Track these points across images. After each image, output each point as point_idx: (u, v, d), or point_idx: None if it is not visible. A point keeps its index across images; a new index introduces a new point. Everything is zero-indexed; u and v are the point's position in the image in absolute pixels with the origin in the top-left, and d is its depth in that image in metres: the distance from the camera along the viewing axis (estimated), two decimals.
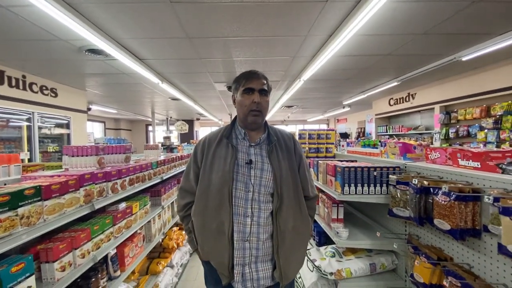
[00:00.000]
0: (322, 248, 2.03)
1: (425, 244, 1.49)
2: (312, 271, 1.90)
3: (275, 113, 10.00)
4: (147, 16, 2.42)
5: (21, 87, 4.08)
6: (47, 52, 3.27)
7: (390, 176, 1.56)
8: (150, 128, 12.36)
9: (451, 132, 5.20)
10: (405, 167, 1.71)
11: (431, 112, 5.99)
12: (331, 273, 1.71)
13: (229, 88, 5.43)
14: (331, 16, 2.49)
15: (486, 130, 4.47)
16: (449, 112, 5.35)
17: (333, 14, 2.44)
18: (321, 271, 1.75)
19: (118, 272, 1.70)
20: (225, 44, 3.14)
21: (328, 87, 5.91)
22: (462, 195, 1.12)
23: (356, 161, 2.23)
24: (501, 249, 0.92)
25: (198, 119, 12.51)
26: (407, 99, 6.60)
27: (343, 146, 2.94)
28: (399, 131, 7.22)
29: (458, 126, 5.10)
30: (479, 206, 1.12)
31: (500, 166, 1.23)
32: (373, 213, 2.18)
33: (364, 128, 10.62)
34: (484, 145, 4.45)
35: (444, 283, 1.18)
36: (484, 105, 4.56)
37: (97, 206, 1.45)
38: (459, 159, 1.56)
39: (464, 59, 3.64)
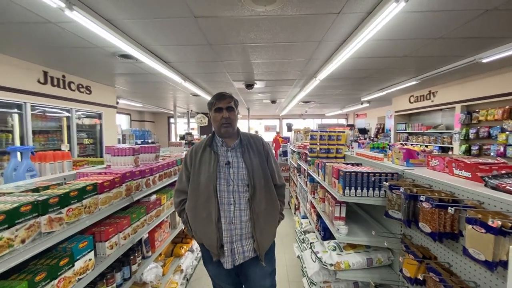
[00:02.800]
0: (325, 242, 2.25)
1: (416, 244, 1.67)
2: (314, 262, 2.14)
3: (293, 108, 10.09)
4: (173, 28, 2.68)
5: (61, 85, 4.56)
6: (85, 57, 3.66)
7: (383, 182, 1.74)
8: (172, 120, 12.92)
9: (471, 133, 5.10)
10: (403, 173, 1.86)
11: (453, 111, 5.86)
12: (331, 264, 1.93)
13: (247, 86, 5.66)
14: (343, 25, 2.62)
15: (507, 132, 4.37)
16: (471, 112, 5.23)
17: (344, 23, 2.57)
18: (322, 262, 1.98)
19: (150, 253, 2.04)
20: (243, 49, 3.35)
21: (346, 85, 5.95)
22: (441, 204, 1.29)
23: (361, 164, 2.39)
24: (465, 251, 1.09)
25: None
26: (428, 97, 6.47)
27: (352, 148, 3.08)
28: (418, 129, 7.10)
29: (479, 127, 4.99)
30: (457, 214, 1.29)
31: (484, 178, 1.38)
32: (375, 213, 2.36)
33: (384, 124, 10.45)
34: (504, 148, 4.36)
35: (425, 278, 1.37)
36: (507, 107, 4.44)
37: (135, 198, 1.77)
38: (454, 168, 1.70)
39: (484, 60, 3.59)
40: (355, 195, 1.88)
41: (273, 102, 8.65)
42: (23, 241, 0.97)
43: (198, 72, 4.62)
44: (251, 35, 2.86)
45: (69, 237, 1.30)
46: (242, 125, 14.08)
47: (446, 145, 5.97)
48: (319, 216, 2.72)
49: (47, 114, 4.44)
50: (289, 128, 11.67)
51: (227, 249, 1.48)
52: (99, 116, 5.66)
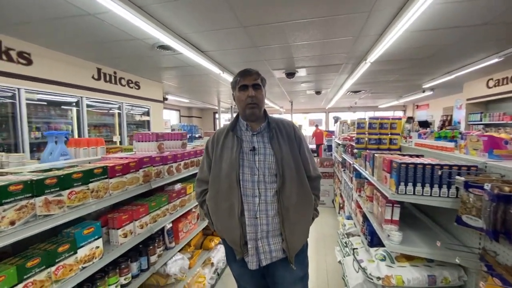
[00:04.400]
0: (372, 250, 1.86)
1: (504, 264, 1.20)
2: (357, 272, 1.77)
3: (340, 99, 9.34)
4: (203, 10, 2.54)
5: (113, 81, 4.91)
6: (128, 50, 3.80)
7: (457, 177, 1.29)
8: (217, 115, 13.29)
9: None
10: (485, 166, 1.38)
11: None
12: (378, 278, 1.55)
13: (287, 75, 5.33)
14: None
15: None
16: None
17: None
18: (366, 273, 1.61)
19: (173, 244, 1.95)
20: (280, 29, 3.05)
21: (402, 69, 5.15)
22: None
23: (422, 156, 1.91)
24: None
25: None
26: None
27: (410, 137, 2.55)
28: (499, 120, 5.83)
29: None
30: None
31: None
32: (441, 217, 1.86)
33: (451, 116, 8.94)
34: None
35: None
36: None
37: (154, 186, 1.67)
38: None
39: None
40: (413, 194, 1.47)
41: (318, 93, 8.10)
42: (12, 223, 0.89)
43: (235, 62, 4.48)
44: (288, 10, 2.55)
45: (77, 223, 1.23)
46: None
47: None
48: (365, 218, 2.31)
49: (101, 109, 4.83)
50: (336, 122, 10.87)
51: (252, 247, 1.29)
52: (147, 112, 6.00)
